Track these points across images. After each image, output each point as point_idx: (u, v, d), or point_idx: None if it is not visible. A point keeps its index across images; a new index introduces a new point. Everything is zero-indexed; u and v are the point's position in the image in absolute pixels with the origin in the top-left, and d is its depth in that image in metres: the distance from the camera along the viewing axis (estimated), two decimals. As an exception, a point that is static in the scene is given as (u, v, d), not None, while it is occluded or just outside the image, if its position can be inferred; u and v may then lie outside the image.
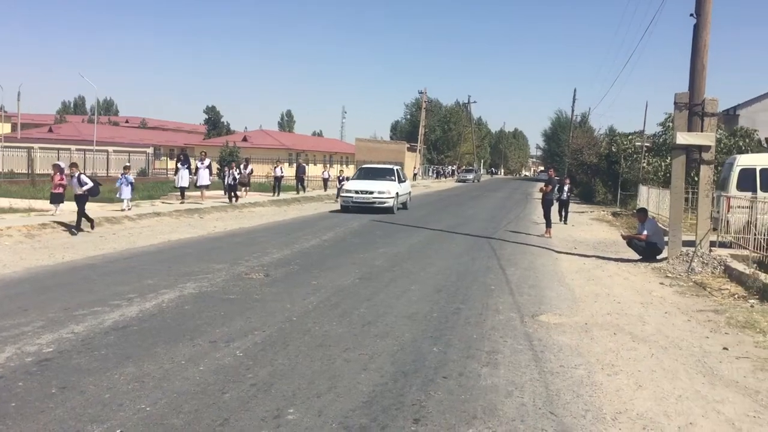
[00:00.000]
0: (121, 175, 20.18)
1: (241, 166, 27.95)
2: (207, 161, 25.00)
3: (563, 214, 23.04)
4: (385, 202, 23.39)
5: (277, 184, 30.45)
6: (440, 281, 10.45)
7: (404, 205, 26.17)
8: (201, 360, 5.87)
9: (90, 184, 15.58)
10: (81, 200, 15.17)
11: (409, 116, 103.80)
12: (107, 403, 4.77)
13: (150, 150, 50.38)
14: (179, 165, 24.29)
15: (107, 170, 39.15)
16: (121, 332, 6.72)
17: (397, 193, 24.08)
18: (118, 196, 19.83)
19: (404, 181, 26.72)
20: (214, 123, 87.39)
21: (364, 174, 25.98)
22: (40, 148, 40.35)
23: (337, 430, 4.47)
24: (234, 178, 24.95)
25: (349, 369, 5.79)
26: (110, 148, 44.56)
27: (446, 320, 7.80)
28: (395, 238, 16.16)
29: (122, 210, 18.67)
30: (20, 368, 5.48)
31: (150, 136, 72.93)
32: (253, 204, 25.05)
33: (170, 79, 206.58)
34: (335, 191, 31.37)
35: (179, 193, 23.98)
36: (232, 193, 24.92)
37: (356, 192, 23.66)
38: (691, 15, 13.12)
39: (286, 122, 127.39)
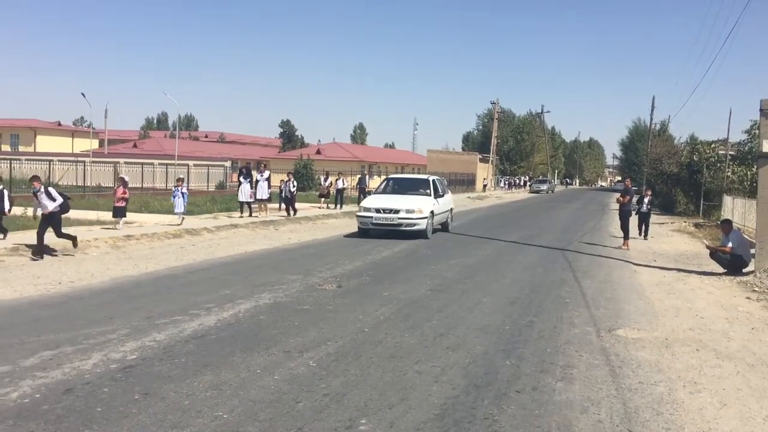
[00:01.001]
0: (174, 187, 19.74)
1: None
2: (266, 173, 24.05)
3: (644, 228, 21.04)
4: (415, 224, 17.82)
5: (339, 197, 29.60)
6: (513, 293, 10.32)
7: (444, 227, 20.95)
8: (276, 369, 5.98)
9: (60, 199, 12.89)
10: (51, 220, 12.73)
11: (481, 127, 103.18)
12: (186, 410, 4.93)
13: (227, 164, 51.88)
14: (241, 179, 23.23)
15: (188, 183, 40.47)
16: (200, 341, 6.93)
17: (432, 212, 18.68)
18: (175, 210, 19.21)
19: (443, 196, 20.75)
20: (289, 136, 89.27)
21: (391, 187, 20.55)
22: (126, 162, 42.29)
23: (408, 442, 4.47)
24: (290, 191, 24.30)
25: (420, 381, 5.78)
26: (191, 162, 46.13)
27: (519, 333, 7.69)
28: (467, 250, 16.05)
29: (178, 224, 18.20)
30: (106, 374, 5.73)
31: (228, 150, 75.20)
32: (326, 216, 25.40)
33: (247, 94, 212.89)
34: None
35: (240, 209, 22.90)
36: (289, 207, 24.25)
37: (377, 210, 17.99)
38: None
39: (359, 135, 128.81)
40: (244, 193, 22.74)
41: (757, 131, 22.11)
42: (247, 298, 9.18)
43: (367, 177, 35.08)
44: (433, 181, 20.69)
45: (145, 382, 5.55)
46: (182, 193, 19.10)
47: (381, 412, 5.00)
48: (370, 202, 18.82)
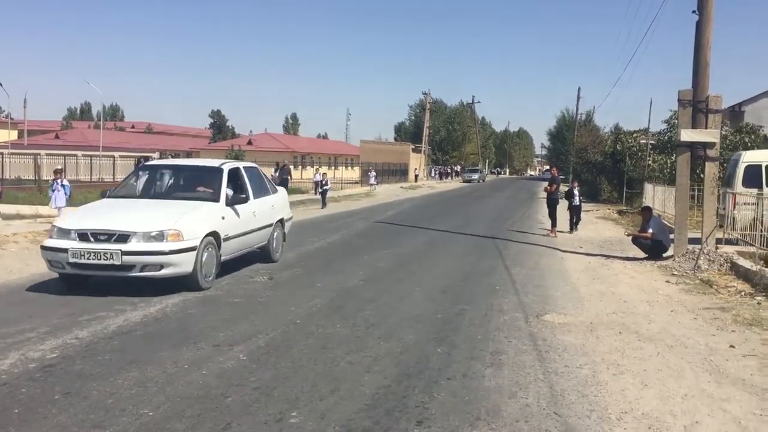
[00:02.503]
0: (53, 180, 17.23)
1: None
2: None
3: (574, 220, 19.60)
4: (168, 263, 8.73)
5: None
6: (445, 282, 10.43)
7: (267, 252, 11.86)
8: (204, 364, 5.86)
9: None
10: None
11: (413, 117, 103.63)
12: (110, 409, 4.77)
13: (156, 155, 50.45)
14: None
15: (114, 176, 39.19)
16: (125, 337, 6.72)
17: (216, 235, 9.62)
18: (52, 206, 16.67)
19: (261, 196, 11.63)
20: (220, 127, 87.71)
21: (145, 185, 11.11)
22: (47, 154, 40.58)
23: (339, 433, 4.46)
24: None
25: (352, 371, 5.77)
26: (116, 154, 44.68)
27: (450, 321, 7.78)
28: (400, 240, 16.13)
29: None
30: (24, 374, 5.48)
31: (156, 141, 73.26)
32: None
33: (175, 83, 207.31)
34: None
35: None
36: None
37: (82, 236, 8.87)
38: (694, 12, 13.05)
39: (291, 125, 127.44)
40: None
41: (675, 121, 22.99)
42: (176, 292, 8.95)
43: (290, 168, 33.06)
44: (234, 171, 11.05)
45: (65, 381, 5.34)
46: (62, 185, 16.72)
47: (312, 404, 4.97)
48: (73, 220, 9.46)
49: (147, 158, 21.61)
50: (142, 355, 6.08)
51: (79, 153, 42.64)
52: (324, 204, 27.63)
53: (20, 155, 40.01)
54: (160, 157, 52.69)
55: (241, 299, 8.70)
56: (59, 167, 19.38)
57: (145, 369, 5.68)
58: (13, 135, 59.77)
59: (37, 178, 33.91)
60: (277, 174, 29.08)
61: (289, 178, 30.91)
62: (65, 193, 16.58)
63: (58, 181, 16.86)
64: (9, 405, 4.81)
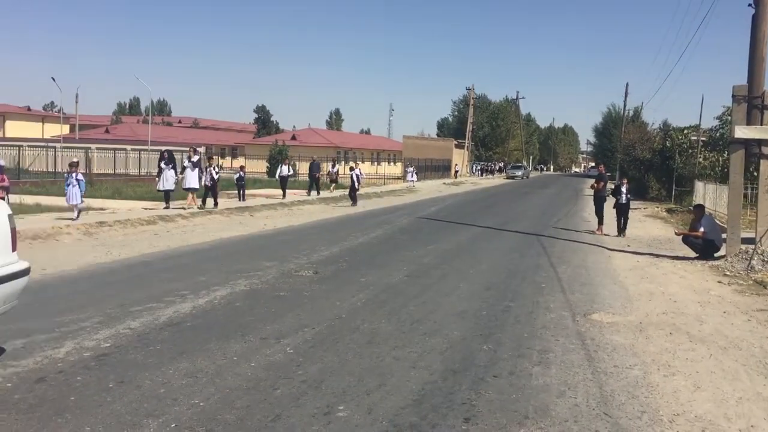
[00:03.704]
0: (67, 173, 16.34)
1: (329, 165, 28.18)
2: (196, 157, 20.57)
3: (622, 222, 17.70)
4: None
5: (283, 184, 26.90)
6: (489, 279, 10.36)
7: None
8: (252, 356, 5.94)
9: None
10: None
11: (456, 113, 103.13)
12: (162, 398, 4.87)
13: (202, 149, 51.30)
14: (162, 165, 19.68)
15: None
16: (175, 328, 6.85)
17: None
18: (69, 201, 15.84)
19: None
20: (264, 122, 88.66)
21: None
22: (98, 148, 41.56)
23: (387, 427, 4.47)
24: (212, 178, 20.30)
25: (398, 367, 5.78)
26: (164, 148, 45.48)
27: (496, 318, 7.72)
28: (444, 236, 16.08)
29: (71, 219, 15.01)
30: (79, 363, 5.64)
31: (202, 136, 74.41)
32: (302, 202, 25.29)
33: (222, 79, 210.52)
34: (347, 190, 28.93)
35: (165, 200, 19.64)
36: (206, 197, 20.44)
37: None
38: (750, 5, 12.70)
39: (335, 120, 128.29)
40: (167, 180, 19.42)
41: (729, 117, 22.39)
42: (223, 285, 9.09)
43: (319, 163, 32.34)
44: None
45: (119, 370, 5.47)
46: (77, 180, 15.75)
47: (359, 398, 4.99)
48: None
49: (169, 150, 21.21)
50: (192, 346, 6.19)
51: (128, 147, 43.58)
52: (354, 201, 25.77)
53: (72, 149, 41.07)
54: (205, 152, 53.54)
55: (286, 293, 8.78)
56: (75, 160, 17.91)
57: (195, 360, 5.78)
58: (65, 129, 61.40)
59: (88, 171, 34.78)
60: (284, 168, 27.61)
61: (317, 174, 30.11)
62: (80, 189, 15.79)
63: (74, 174, 15.88)
64: (65, 392, 4.94)
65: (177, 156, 22.49)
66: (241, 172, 25.05)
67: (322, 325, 7.11)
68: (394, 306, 8.18)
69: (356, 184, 26.11)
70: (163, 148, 25.82)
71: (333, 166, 34.78)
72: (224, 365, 5.67)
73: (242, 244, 13.80)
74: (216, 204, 20.31)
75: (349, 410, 4.74)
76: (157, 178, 20.17)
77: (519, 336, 6.96)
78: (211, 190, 20.37)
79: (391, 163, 73.01)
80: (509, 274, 10.85)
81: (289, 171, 27.81)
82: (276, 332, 6.78)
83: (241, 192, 24.30)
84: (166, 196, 19.62)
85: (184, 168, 20.51)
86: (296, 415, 4.62)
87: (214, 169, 20.50)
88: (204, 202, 20.15)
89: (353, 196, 25.96)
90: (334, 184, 32.47)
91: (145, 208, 19.07)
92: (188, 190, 20.11)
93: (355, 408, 4.79)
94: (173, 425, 4.40)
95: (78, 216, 15.52)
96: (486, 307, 8.28)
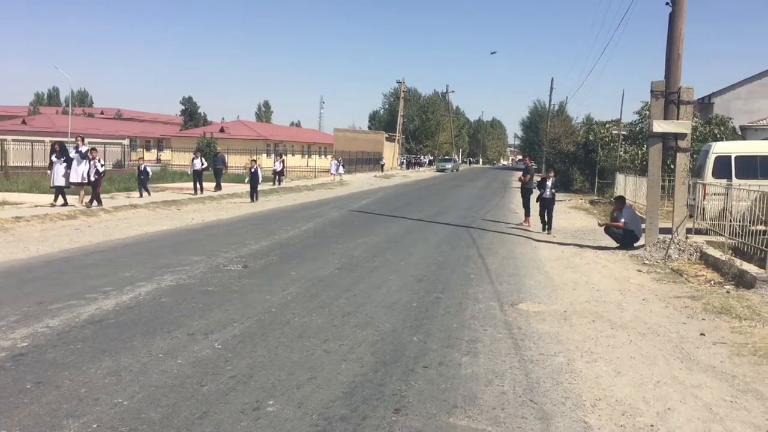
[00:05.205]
0: None
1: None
2: (84, 148, 18.15)
3: (546, 218, 16.96)
4: None
5: (197, 178, 25.38)
6: (420, 271, 10.44)
7: None
8: (179, 353, 5.80)
9: None
10: None
11: (387, 106, 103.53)
12: (83, 398, 4.70)
13: (126, 141, 49.84)
14: (53, 158, 18.03)
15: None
16: (98, 326, 6.62)
17: None
18: None
19: None
20: (191, 114, 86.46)
21: None
22: (13, 140, 39.71)
23: (317, 421, 4.44)
24: (96, 172, 17.97)
25: (329, 360, 5.76)
26: (54, 140, 43.87)
27: (426, 310, 7.79)
28: (375, 228, 16.12)
29: None
30: (-6, 364, 5.38)
31: (126, 128, 72.13)
32: (231, 195, 24.86)
33: (146, 69, 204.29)
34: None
35: (53, 196, 17.99)
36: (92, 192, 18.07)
37: None
38: (667, 4, 13.18)
39: (264, 113, 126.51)
40: (57, 176, 17.84)
41: (647, 112, 23.26)
42: (148, 281, 8.85)
43: (224, 156, 30.62)
44: None
45: (37, 370, 5.25)
46: None
47: (289, 392, 4.95)
48: None
49: (60, 142, 19.30)
50: (115, 344, 5.99)
51: (47, 139, 41.77)
52: (254, 198, 23.80)
53: (-14, 140, 39.12)
54: (130, 144, 51.93)
55: (215, 288, 8.62)
56: None
57: (118, 358, 5.60)
58: (-21, 120, 58.44)
59: (3, 164, 33.19)
60: (196, 161, 25.82)
61: (223, 168, 28.96)
62: None
63: None
64: (-22, 395, 4.71)
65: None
66: (144, 165, 23.18)
67: (251, 320, 7.02)
68: (325, 299, 8.14)
69: (259, 179, 24.36)
70: (53, 140, 23.68)
71: (278, 161, 34.38)
72: (149, 363, 5.52)
73: (169, 238, 13.46)
74: (99, 202, 18.04)
75: (278, 405, 4.69)
76: (48, 172, 18.47)
77: (448, 327, 7.04)
78: (93, 186, 17.97)
79: (322, 156, 72.66)
80: (439, 266, 10.97)
81: (203, 164, 26.00)
82: (204, 327, 6.64)
83: (143, 188, 22.51)
84: (57, 192, 17.81)
85: (71, 160, 17.94)
86: (224, 412, 4.54)
87: (98, 162, 18.18)
88: (92, 200, 17.84)
89: (254, 193, 24.00)
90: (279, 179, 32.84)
91: (52, 204, 17.43)
92: (77, 185, 18.03)
93: (285, 402, 4.74)
94: (95, 426, 4.25)
95: None
96: (416, 299, 8.35)
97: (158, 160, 50.39)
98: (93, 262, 10.24)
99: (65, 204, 17.52)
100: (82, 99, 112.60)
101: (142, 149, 60.04)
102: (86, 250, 11.53)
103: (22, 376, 5.11)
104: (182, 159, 47.89)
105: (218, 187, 26.91)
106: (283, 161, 35.21)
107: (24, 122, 66.32)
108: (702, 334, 7.01)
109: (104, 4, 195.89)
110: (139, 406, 4.58)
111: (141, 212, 18.01)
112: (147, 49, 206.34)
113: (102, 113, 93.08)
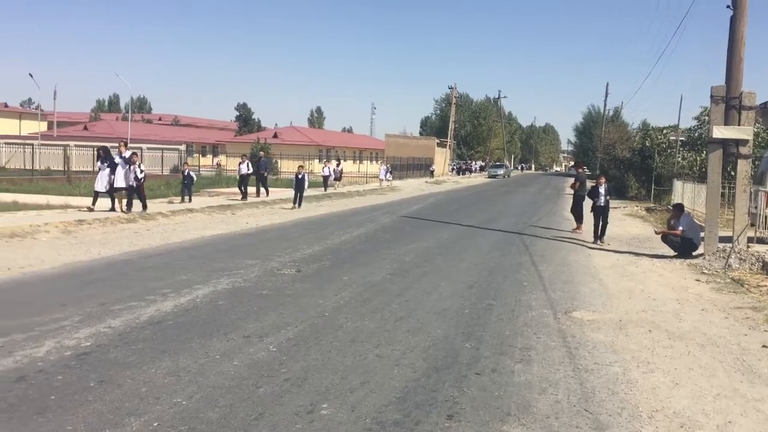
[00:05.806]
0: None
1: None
2: (127, 153, 18.07)
3: (600, 226, 15.82)
4: None
5: (243, 183, 25.09)
6: (471, 277, 10.41)
7: None
8: (235, 355, 5.93)
9: None
10: None
11: (438, 112, 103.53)
12: (144, 397, 4.84)
13: (182, 147, 51.02)
14: (99, 164, 17.95)
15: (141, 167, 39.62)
16: (157, 327, 6.81)
17: None
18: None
19: None
20: (245, 120, 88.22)
21: None
22: (76, 145, 41.18)
23: (370, 425, 4.48)
24: (136, 178, 17.67)
25: (381, 364, 5.79)
26: (144, 146, 45.21)
27: (478, 316, 7.77)
28: (426, 234, 16.12)
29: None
30: (59, 362, 5.59)
31: (182, 134, 73.93)
32: (284, 200, 25.21)
33: (203, 77, 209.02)
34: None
35: (92, 201, 17.68)
36: (132, 198, 17.80)
37: None
38: (728, 7, 12.86)
39: (316, 118, 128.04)
40: (102, 181, 17.54)
41: (707, 117, 22.68)
42: (205, 284, 9.06)
43: (266, 161, 29.66)
44: None
45: (100, 369, 5.43)
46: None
47: (342, 396, 5.00)
48: None
49: (105, 147, 18.99)
50: (174, 345, 6.16)
51: (108, 145, 43.16)
52: (297, 202, 23.23)
53: (50, 146, 40.65)
54: (186, 150, 53.13)
55: (269, 291, 8.77)
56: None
57: (177, 359, 5.76)
58: (43, 126, 60.77)
59: (66, 169, 34.45)
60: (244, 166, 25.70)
61: (265, 173, 27.87)
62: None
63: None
64: (46, 392, 4.90)
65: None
66: (188, 171, 22.92)
67: (305, 323, 7.11)
68: (377, 304, 8.19)
69: (305, 185, 23.83)
70: (99, 144, 24.10)
71: (338, 165, 36.81)
72: (206, 364, 5.65)
73: (224, 242, 13.74)
74: (144, 206, 17.99)
75: (332, 408, 4.75)
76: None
77: (501, 334, 7.00)
78: (136, 192, 17.88)
79: (374, 162, 73.02)
80: (491, 272, 10.91)
81: (248, 169, 25.74)
82: (259, 330, 6.77)
83: (186, 192, 22.21)
84: (96, 197, 17.62)
85: (115, 165, 17.59)
86: (279, 414, 4.62)
87: (138, 167, 17.94)
88: (129, 205, 17.62)
89: (298, 199, 23.34)
90: (338, 182, 34.90)
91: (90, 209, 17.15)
92: (117, 190, 17.64)
93: (339, 406, 4.80)
94: (155, 424, 4.38)
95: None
96: (468, 305, 8.33)
97: (218, 165, 51.23)
98: (152, 265, 10.53)
99: (112, 209, 17.42)
100: (141, 105, 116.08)
101: (198, 155, 61.42)
102: (145, 253, 11.86)
103: (86, 374, 5.30)
104: (236, 164, 48.77)
105: (264, 192, 26.54)
106: (341, 168, 37.41)
107: (86, 128, 68.69)
108: (765, 347, 6.80)
109: (162, 13, 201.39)
110: (197, 406, 4.70)
111: (197, 216, 18.42)
112: (205, 56, 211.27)
113: (160, 119, 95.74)
